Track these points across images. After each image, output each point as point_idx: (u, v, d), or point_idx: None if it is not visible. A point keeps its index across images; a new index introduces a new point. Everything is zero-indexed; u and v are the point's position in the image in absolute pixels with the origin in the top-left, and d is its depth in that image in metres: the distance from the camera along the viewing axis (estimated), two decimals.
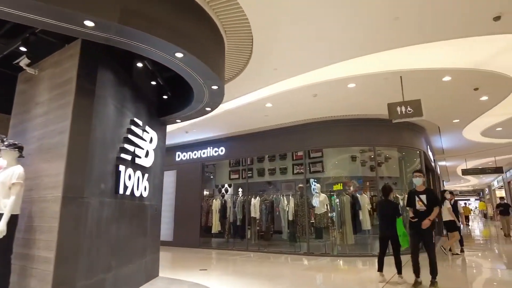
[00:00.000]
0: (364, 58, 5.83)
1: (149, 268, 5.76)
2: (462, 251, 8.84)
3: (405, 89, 6.49)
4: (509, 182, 21.32)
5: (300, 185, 9.72)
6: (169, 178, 12.17)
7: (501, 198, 16.23)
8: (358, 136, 9.29)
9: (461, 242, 8.85)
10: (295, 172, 10.08)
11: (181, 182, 11.90)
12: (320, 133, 9.46)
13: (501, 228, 13.44)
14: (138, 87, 5.48)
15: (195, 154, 11.74)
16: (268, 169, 10.60)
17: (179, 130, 10.26)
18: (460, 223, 9.38)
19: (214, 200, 11.10)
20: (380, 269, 5.62)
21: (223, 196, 11.59)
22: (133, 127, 5.06)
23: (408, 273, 5.89)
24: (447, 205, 8.44)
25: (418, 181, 5.43)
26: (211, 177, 12.65)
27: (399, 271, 5.50)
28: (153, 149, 5.79)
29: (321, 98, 7.52)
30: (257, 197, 10.18)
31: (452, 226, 8.35)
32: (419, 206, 5.25)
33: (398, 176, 10.26)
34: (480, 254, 8.24)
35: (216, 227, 10.84)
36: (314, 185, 9.57)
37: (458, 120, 9.67)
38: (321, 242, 9.22)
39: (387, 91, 6.86)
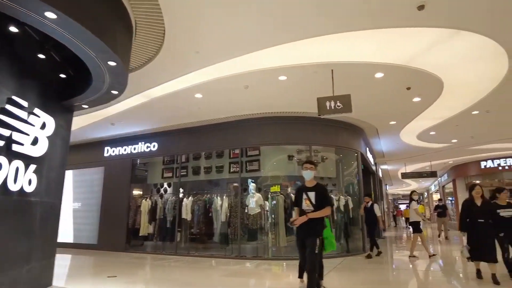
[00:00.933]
0: (295, 49, 5.45)
1: (36, 276, 4.86)
2: (378, 254, 8.60)
3: (336, 84, 6.20)
4: (443, 187, 22.54)
5: (235, 184, 9.19)
6: (96, 176, 11.10)
7: (439, 200, 16.91)
8: (295, 135, 8.97)
9: (376, 245, 8.64)
10: (231, 170, 9.52)
11: (109, 179, 10.85)
12: (257, 130, 9.02)
13: (442, 230, 13.86)
14: (24, 60, 4.59)
15: (125, 150, 10.76)
16: (204, 168, 9.93)
17: (104, 121, 9.28)
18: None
19: (143, 200, 10.20)
20: (301, 275, 5.17)
21: (161, 196, 10.65)
22: (9, 107, 4.18)
23: (331, 280, 5.58)
24: (413, 206, 8.35)
25: (308, 175, 4.28)
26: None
27: (320, 277, 5.11)
28: (48, 137, 4.91)
29: (253, 91, 7.04)
30: (190, 197, 9.48)
31: (416, 228, 8.24)
32: (306, 205, 4.18)
33: (335, 176, 10.13)
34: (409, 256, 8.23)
35: (144, 229, 9.97)
36: (251, 184, 9.12)
37: (394, 122, 9.71)
38: (255, 244, 8.75)
39: (318, 85, 6.49)
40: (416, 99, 7.71)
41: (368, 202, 8.81)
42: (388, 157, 15.29)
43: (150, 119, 9.18)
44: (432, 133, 10.90)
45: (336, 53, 5.71)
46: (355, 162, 10.25)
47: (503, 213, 5.45)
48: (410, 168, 18.34)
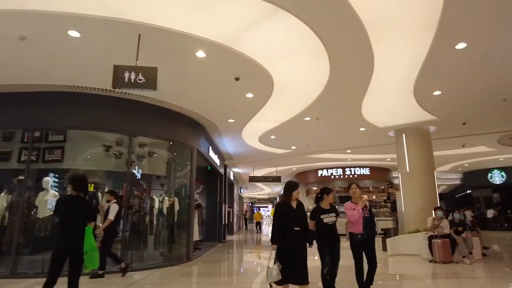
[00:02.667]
0: None
1: None
2: (124, 273, 6.48)
3: (145, 56, 4.94)
4: None
5: (20, 178, 6.91)
6: None
7: None
8: (116, 121, 7.33)
9: (116, 260, 6.60)
10: (22, 159, 7.18)
11: None
12: (64, 109, 6.98)
13: None
14: None
15: None
16: None
17: None
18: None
19: None
20: None
21: None
22: None
23: None
24: None
25: None
26: None
27: None
28: None
29: (34, 47, 5.09)
30: None
31: None
32: None
33: (166, 175, 8.91)
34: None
35: None
36: (49, 179, 7.05)
37: (233, 120, 9.08)
38: (42, 257, 6.69)
39: (120, 53, 5.08)
40: (249, 95, 7.14)
41: (109, 201, 6.62)
42: (237, 159, 15.02)
43: None
44: (272, 137, 10.83)
45: (146, 13, 4.45)
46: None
47: (326, 219, 4.54)
48: (259, 173, 18.73)
